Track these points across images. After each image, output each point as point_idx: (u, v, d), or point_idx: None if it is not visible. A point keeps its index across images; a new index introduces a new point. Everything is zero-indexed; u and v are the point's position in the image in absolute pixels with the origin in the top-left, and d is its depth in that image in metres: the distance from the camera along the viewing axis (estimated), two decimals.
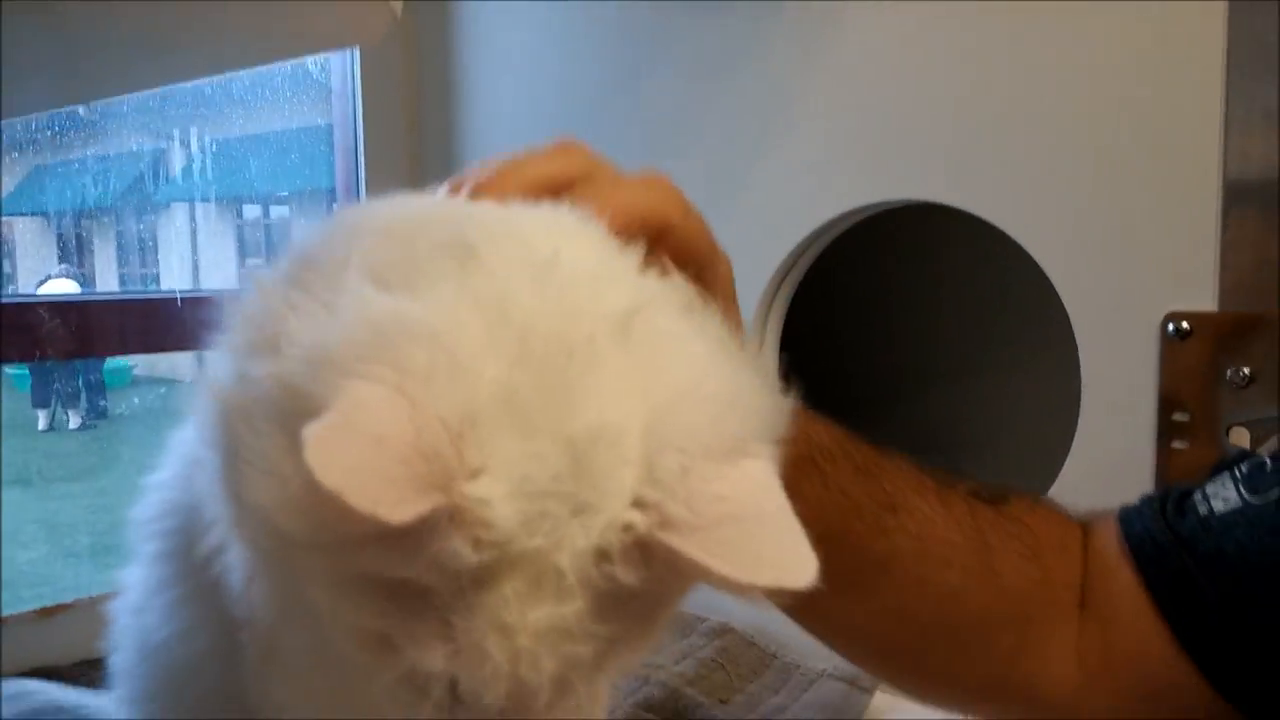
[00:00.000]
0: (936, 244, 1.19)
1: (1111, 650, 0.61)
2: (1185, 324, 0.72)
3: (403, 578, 0.32)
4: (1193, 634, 0.57)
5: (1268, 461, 0.59)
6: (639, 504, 0.32)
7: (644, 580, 0.33)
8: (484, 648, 0.32)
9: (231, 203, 2.29)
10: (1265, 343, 0.71)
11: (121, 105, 1.41)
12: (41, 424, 3.22)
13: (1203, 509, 0.58)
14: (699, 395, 0.35)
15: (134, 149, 1.65)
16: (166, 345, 1.17)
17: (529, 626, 0.32)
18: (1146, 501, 0.62)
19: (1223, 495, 0.58)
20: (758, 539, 0.32)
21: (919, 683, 0.66)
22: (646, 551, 0.32)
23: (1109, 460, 0.75)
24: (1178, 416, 0.74)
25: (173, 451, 0.53)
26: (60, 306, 1.01)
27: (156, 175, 1.78)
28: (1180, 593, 0.58)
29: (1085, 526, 0.63)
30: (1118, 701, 0.61)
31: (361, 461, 0.29)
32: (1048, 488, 0.79)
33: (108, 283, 2.00)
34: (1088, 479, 0.77)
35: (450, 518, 0.31)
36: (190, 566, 0.50)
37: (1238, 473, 0.59)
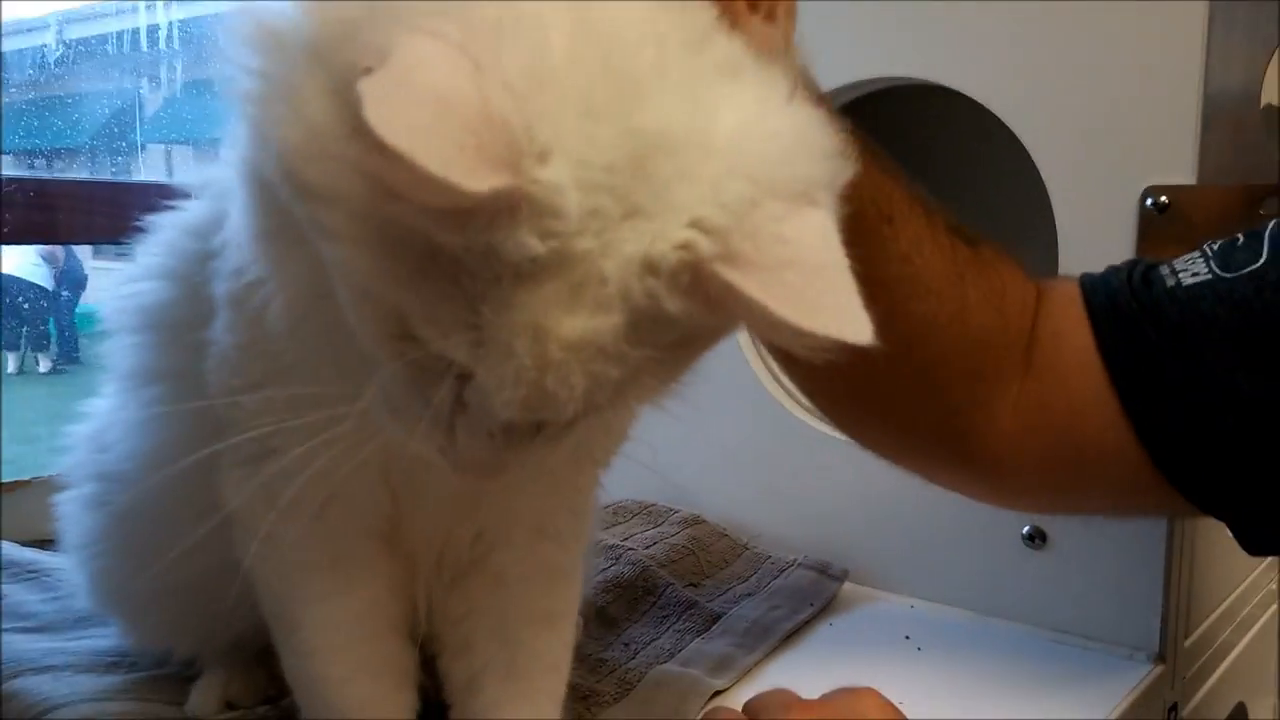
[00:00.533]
0: (918, 124, 1.19)
1: (1051, 409, 0.60)
2: (1164, 198, 0.72)
3: (436, 251, 0.30)
4: (1141, 403, 0.57)
5: (1240, 238, 0.58)
6: (699, 225, 0.30)
7: (684, 310, 0.31)
8: (512, 346, 0.30)
9: (209, 146, 2.26)
10: (1244, 217, 0.72)
11: (93, 44, 1.39)
12: (10, 367, 3.18)
13: (1170, 281, 0.58)
14: (770, 129, 0.33)
15: (108, 89, 1.63)
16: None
17: (563, 335, 0.30)
18: (1113, 271, 0.60)
19: (1192, 270, 0.57)
20: (818, 288, 0.31)
21: (866, 425, 0.65)
22: (697, 279, 0.31)
23: None
24: None
25: (152, 251, 0.52)
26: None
27: (131, 116, 1.75)
28: (1137, 361, 0.57)
29: (1040, 286, 0.62)
30: (1047, 461, 0.61)
31: (428, 123, 0.27)
32: None
33: None
34: None
35: (519, 200, 0.29)
36: (172, 361, 0.50)
37: (1208, 249, 0.58)
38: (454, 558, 0.50)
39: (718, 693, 0.68)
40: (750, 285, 0.30)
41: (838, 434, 0.70)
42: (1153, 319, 0.57)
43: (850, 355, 0.30)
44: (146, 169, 1.92)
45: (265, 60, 0.32)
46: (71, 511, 0.61)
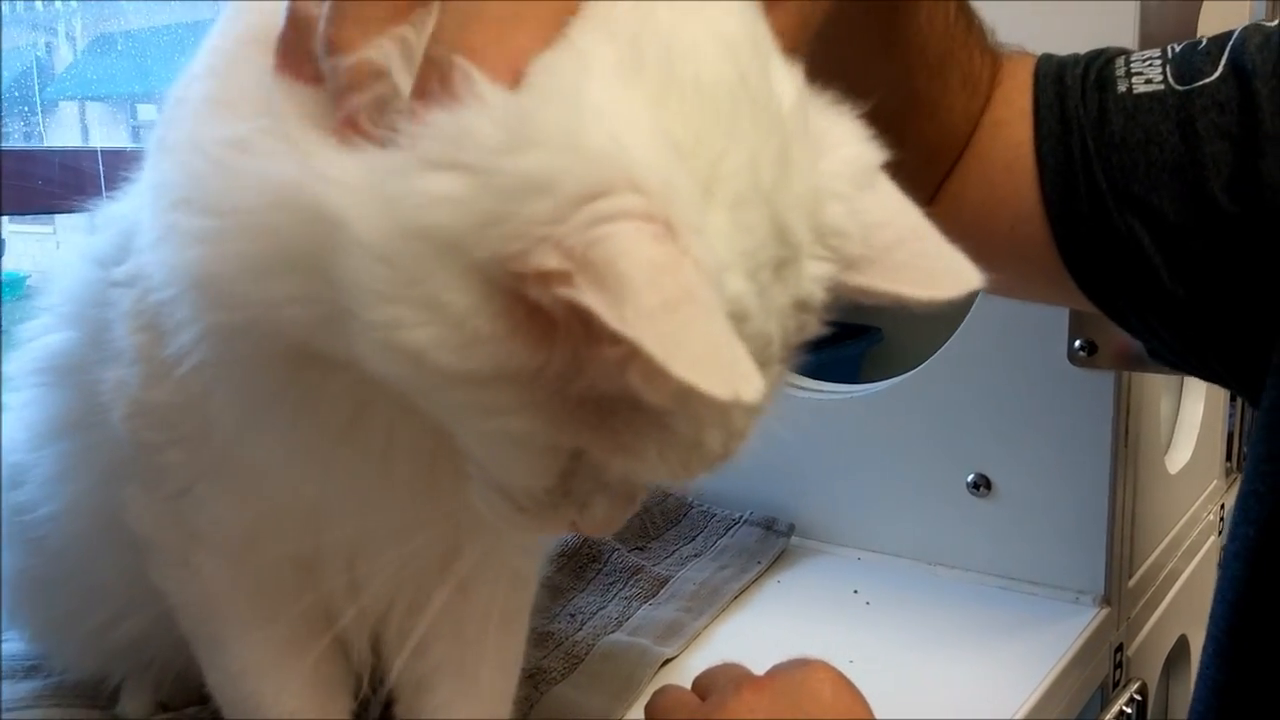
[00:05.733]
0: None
1: (969, 195, 0.59)
2: None
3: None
4: (1064, 208, 0.55)
5: (1204, 40, 0.55)
6: (826, 247, 0.33)
7: (823, 324, 0.33)
8: (704, 444, 0.31)
9: (124, 101, 2.17)
10: None
11: None
12: None
13: (1121, 86, 0.55)
14: (834, 139, 0.34)
15: (16, 45, 1.54)
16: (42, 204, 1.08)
17: (749, 410, 0.31)
18: (1073, 61, 0.58)
19: (1147, 75, 0.55)
20: (923, 255, 0.34)
21: None
22: (830, 295, 0.33)
23: None
24: None
25: (52, 297, 0.49)
26: None
27: (41, 73, 1.66)
28: (1068, 168, 0.55)
29: (1000, 62, 0.59)
30: (955, 227, 0.60)
31: (699, 342, 0.26)
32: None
33: None
34: None
35: None
36: (81, 411, 0.47)
37: (1170, 51, 0.56)
38: (415, 585, 0.47)
39: (667, 661, 0.67)
40: (878, 281, 0.33)
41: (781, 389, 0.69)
42: (1095, 126, 0.55)
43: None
44: (60, 129, 1.83)
45: (378, 270, 0.28)
46: None
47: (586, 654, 0.66)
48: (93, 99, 1.88)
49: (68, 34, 1.59)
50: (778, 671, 0.46)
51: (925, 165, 0.58)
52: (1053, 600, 0.76)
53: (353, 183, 0.29)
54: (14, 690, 0.58)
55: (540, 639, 0.68)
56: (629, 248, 0.26)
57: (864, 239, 0.33)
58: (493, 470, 0.33)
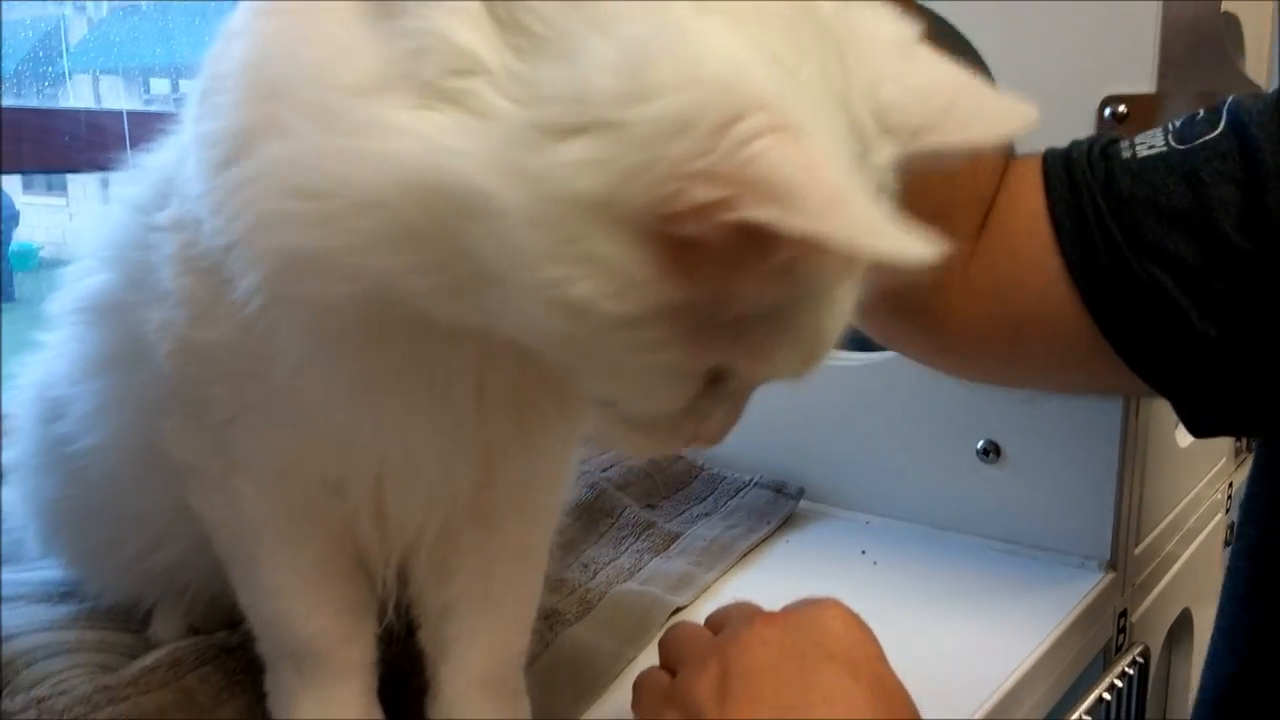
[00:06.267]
0: None
1: (996, 269, 0.60)
2: (1122, 107, 0.71)
3: (758, 303, 0.32)
4: (1084, 268, 0.57)
5: (1201, 112, 0.57)
6: (890, 129, 0.35)
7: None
8: (821, 329, 0.34)
9: (138, 75, 2.17)
10: None
11: None
12: None
13: (1126, 154, 0.58)
14: (869, 27, 0.36)
15: (30, 14, 1.55)
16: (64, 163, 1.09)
17: (850, 307, 0.35)
18: (1076, 143, 0.60)
19: (1150, 142, 0.57)
20: (978, 104, 0.36)
21: None
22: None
23: None
24: None
25: (93, 242, 0.51)
26: None
27: (54, 45, 1.67)
28: (1083, 226, 0.57)
29: (1009, 158, 0.62)
30: (992, 321, 0.61)
31: (872, 220, 0.28)
32: None
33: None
34: None
35: None
36: (122, 349, 0.48)
37: (1170, 125, 0.58)
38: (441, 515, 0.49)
39: (678, 610, 0.68)
40: (948, 138, 0.35)
41: None
42: (1104, 187, 0.57)
43: None
44: (75, 98, 1.84)
45: (532, 234, 0.30)
46: (21, 476, 0.60)
47: (599, 600, 0.67)
48: (107, 72, 1.88)
49: (78, 8, 1.60)
50: (790, 608, 0.48)
51: (933, 218, 0.60)
52: (1059, 564, 0.77)
53: (480, 155, 0.30)
54: (51, 612, 0.60)
55: (554, 585, 0.69)
56: (781, 158, 0.27)
57: (921, 107, 0.35)
58: (632, 403, 0.35)
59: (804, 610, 0.46)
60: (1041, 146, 0.73)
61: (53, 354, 0.55)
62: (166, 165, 0.44)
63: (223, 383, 0.42)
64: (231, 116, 0.35)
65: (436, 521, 0.47)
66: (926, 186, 0.54)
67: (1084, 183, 0.57)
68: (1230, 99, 0.57)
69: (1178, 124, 0.58)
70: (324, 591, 0.48)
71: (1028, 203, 0.59)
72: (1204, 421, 0.60)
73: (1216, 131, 0.56)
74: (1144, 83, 0.71)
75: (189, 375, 0.43)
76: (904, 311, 0.64)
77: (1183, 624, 0.98)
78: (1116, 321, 0.57)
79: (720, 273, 0.30)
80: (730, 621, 0.49)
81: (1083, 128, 0.72)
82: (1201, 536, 0.99)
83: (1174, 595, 0.92)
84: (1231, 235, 0.53)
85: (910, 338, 0.69)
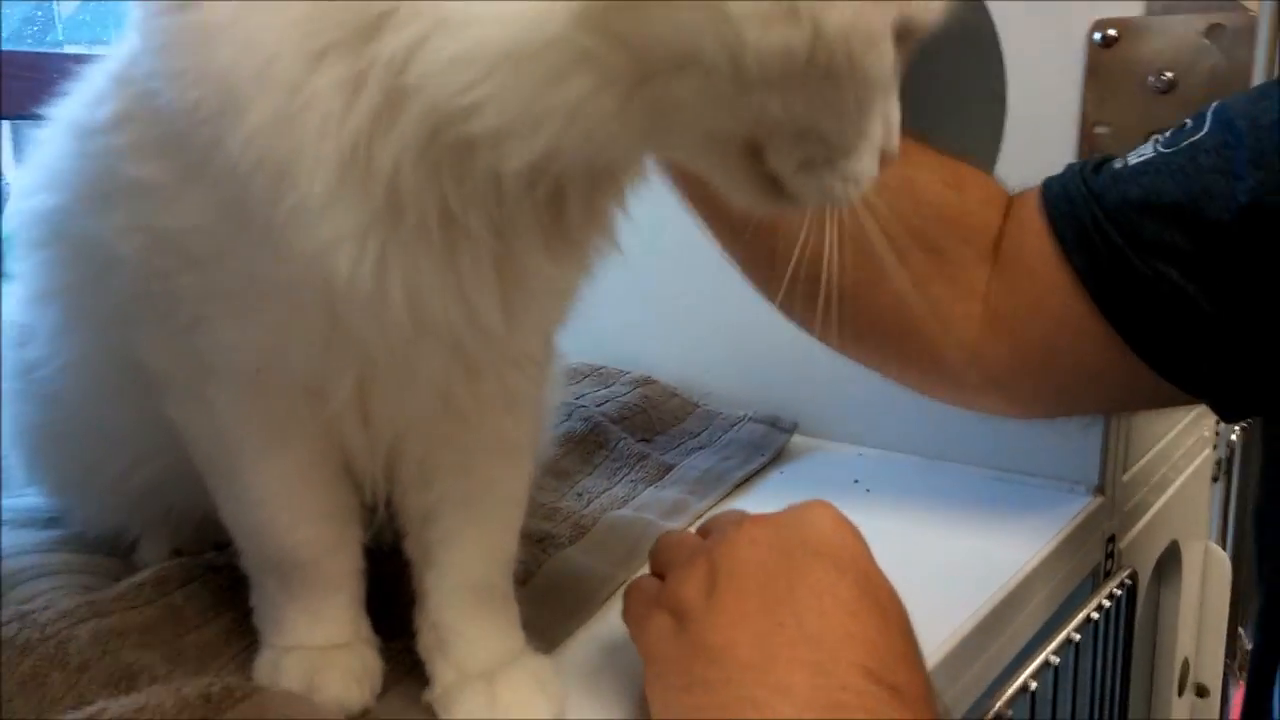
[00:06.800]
0: None
1: (1017, 298, 0.62)
2: (1112, 31, 0.71)
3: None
4: (1095, 276, 0.58)
5: (1188, 122, 0.59)
6: None
7: None
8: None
9: None
10: (1189, 47, 0.71)
11: None
12: None
13: (1118, 165, 0.59)
14: None
15: None
16: None
17: None
18: (1069, 166, 0.62)
19: (1140, 152, 0.59)
20: None
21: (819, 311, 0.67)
22: None
23: (1031, 177, 0.75)
24: (1099, 130, 0.74)
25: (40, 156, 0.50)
26: None
27: (48, 18, 1.66)
28: (1084, 238, 0.59)
29: (1011, 194, 0.64)
30: (1018, 350, 0.63)
31: None
32: None
33: None
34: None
35: None
36: (77, 266, 0.48)
37: (1159, 137, 0.60)
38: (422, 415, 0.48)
39: None
40: None
41: None
42: (1099, 197, 0.59)
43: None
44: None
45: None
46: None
47: (593, 525, 0.68)
48: (101, 43, 1.86)
49: None
50: (779, 512, 0.48)
51: (931, 252, 0.63)
52: (1048, 489, 0.78)
53: None
54: (37, 536, 0.60)
55: (548, 513, 0.69)
56: None
57: None
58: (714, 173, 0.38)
59: (792, 511, 0.47)
60: (1034, 74, 0.74)
61: (15, 283, 0.55)
62: (99, 75, 0.44)
63: (189, 271, 0.41)
64: None
65: (425, 416, 0.46)
66: (924, 211, 0.59)
67: (1080, 196, 0.59)
68: (1215, 104, 0.59)
69: (1166, 134, 0.60)
70: (307, 500, 0.47)
71: (1033, 224, 0.61)
72: (1232, 406, 0.62)
73: (1202, 132, 0.57)
74: (1133, 5, 0.71)
75: (156, 267, 0.42)
76: (906, 341, 0.66)
77: (1171, 556, 0.99)
78: (1133, 323, 0.58)
79: None
80: (719, 527, 0.49)
81: (1072, 53, 0.72)
82: (1189, 470, 1.00)
83: (1162, 525, 0.93)
84: (1222, 219, 0.55)
85: (915, 367, 0.70)
